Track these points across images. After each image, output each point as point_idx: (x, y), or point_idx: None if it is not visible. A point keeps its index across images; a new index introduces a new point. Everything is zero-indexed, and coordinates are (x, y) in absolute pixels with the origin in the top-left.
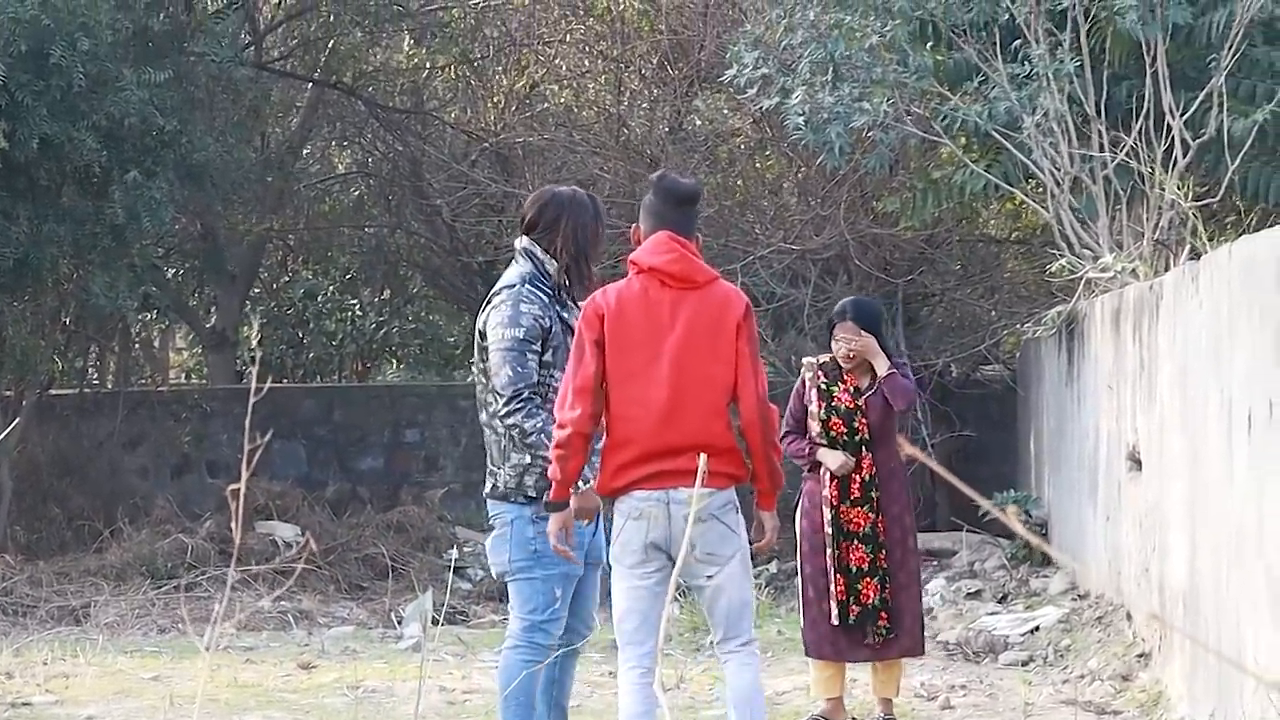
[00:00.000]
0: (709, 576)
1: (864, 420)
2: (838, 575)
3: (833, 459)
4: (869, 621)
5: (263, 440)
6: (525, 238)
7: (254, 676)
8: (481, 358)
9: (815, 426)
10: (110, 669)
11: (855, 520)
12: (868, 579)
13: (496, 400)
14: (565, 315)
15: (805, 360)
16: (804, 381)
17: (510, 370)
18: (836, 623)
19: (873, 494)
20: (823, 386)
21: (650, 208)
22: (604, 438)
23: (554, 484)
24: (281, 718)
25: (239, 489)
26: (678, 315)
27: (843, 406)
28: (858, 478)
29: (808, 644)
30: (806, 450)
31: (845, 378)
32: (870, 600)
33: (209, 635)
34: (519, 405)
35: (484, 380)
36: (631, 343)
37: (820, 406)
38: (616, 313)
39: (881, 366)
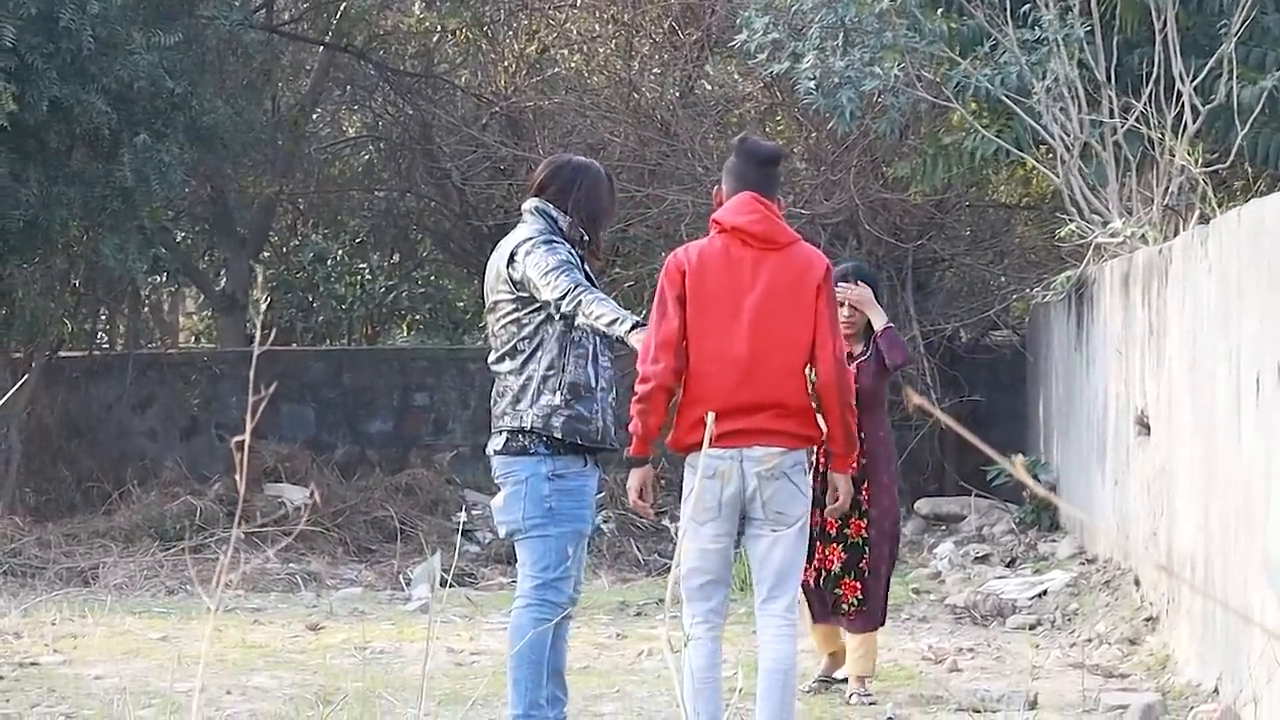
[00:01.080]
0: (772, 532)
1: (854, 386)
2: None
3: None
4: (828, 588)
5: (266, 393)
6: (536, 199)
7: (262, 637)
8: (510, 309)
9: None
10: (118, 629)
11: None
12: (834, 545)
13: (555, 309)
14: (585, 269)
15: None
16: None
17: (566, 277)
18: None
19: (860, 461)
20: None
21: (733, 169)
22: (679, 393)
23: (634, 439)
24: (289, 678)
25: (243, 442)
26: (759, 275)
27: None
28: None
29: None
30: None
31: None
32: (833, 567)
33: (215, 596)
34: (581, 290)
35: (513, 330)
36: (712, 300)
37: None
38: (698, 269)
39: (878, 320)
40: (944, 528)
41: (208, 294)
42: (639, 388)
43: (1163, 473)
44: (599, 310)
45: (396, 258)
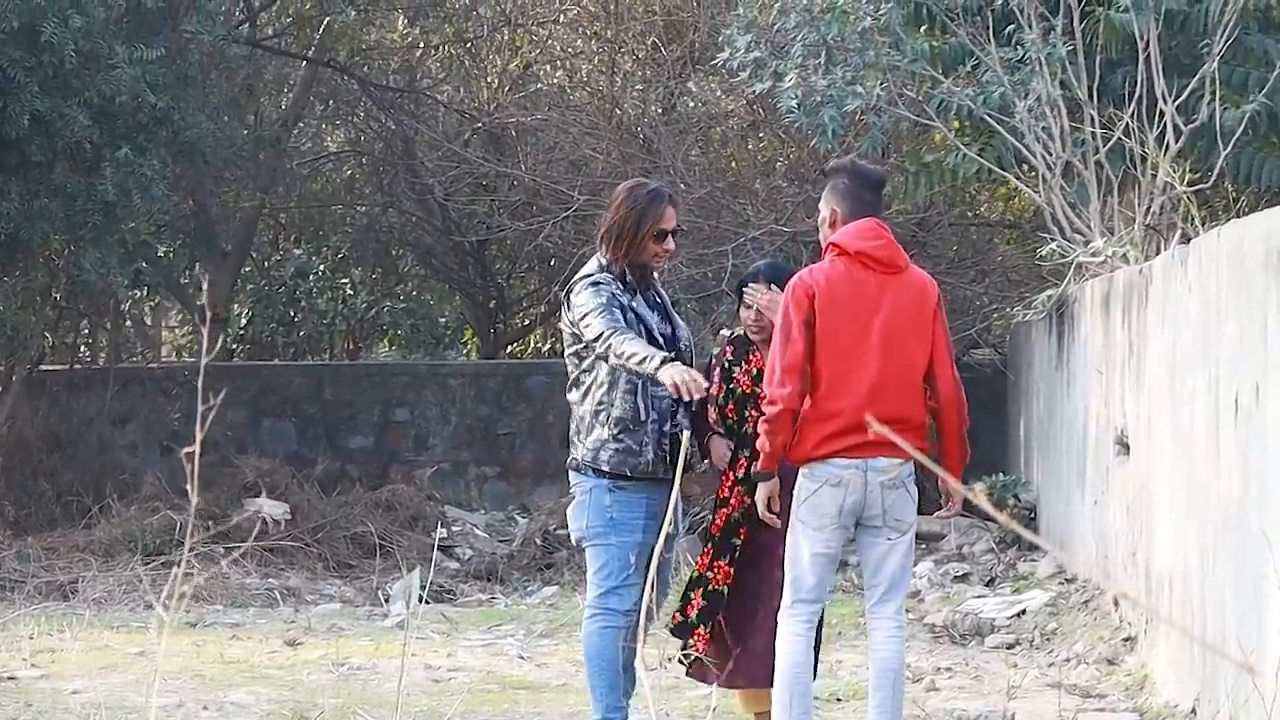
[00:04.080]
0: (889, 539)
1: (755, 412)
2: (696, 591)
3: (715, 449)
4: (683, 636)
5: (215, 402)
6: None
7: (240, 652)
8: (571, 343)
9: (713, 412)
10: (96, 644)
11: (716, 523)
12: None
13: (594, 357)
14: (633, 304)
15: (721, 334)
16: (715, 357)
17: (601, 319)
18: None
19: (733, 498)
20: (726, 365)
21: (846, 192)
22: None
23: (763, 456)
24: (266, 694)
25: (193, 454)
26: (883, 298)
27: (739, 390)
28: (731, 476)
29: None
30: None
31: (751, 357)
32: (691, 614)
33: (172, 610)
34: (611, 333)
35: (575, 362)
36: (841, 322)
37: (720, 390)
38: (826, 293)
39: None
40: (923, 546)
41: (189, 308)
42: (766, 409)
43: (1142, 492)
44: (629, 350)
45: (378, 273)
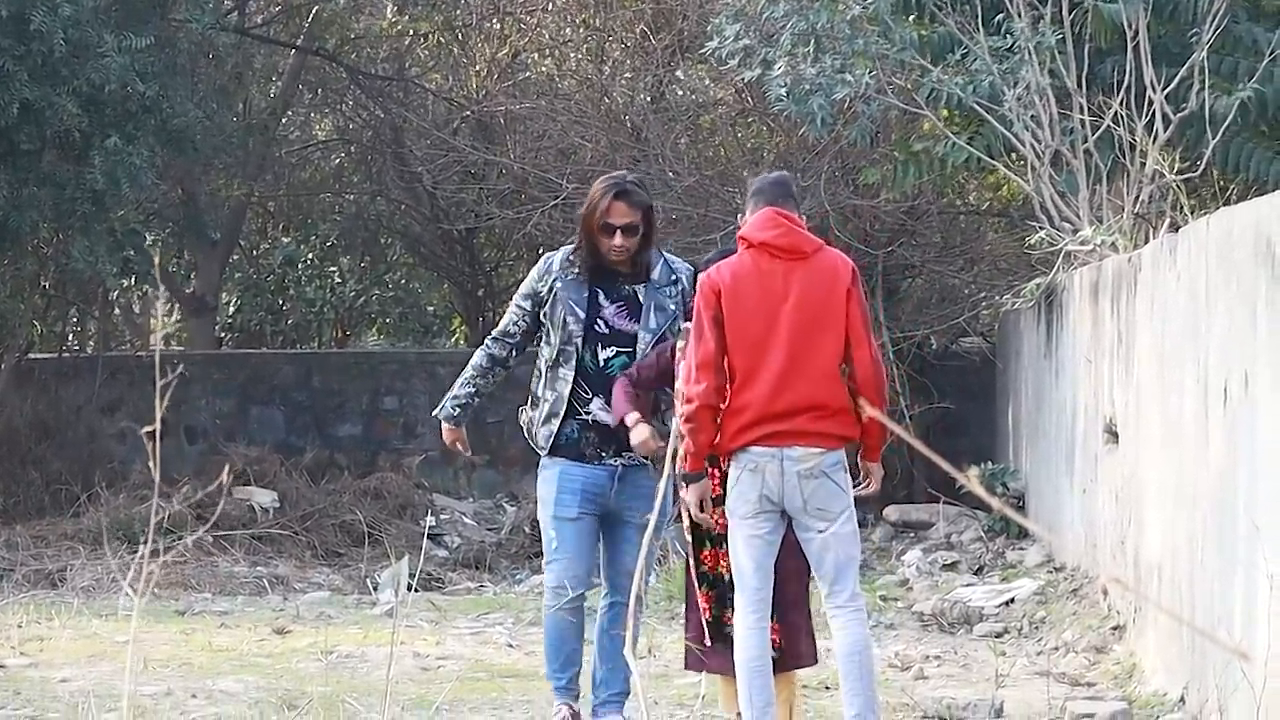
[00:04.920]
0: (819, 531)
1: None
2: (702, 587)
3: (637, 435)
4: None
5: (172, 377)
6: None
7: (229, 641)
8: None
9: (680, 406)
10: (85, 632)
11: (719, 521)
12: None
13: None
14: (585, 295)
15: (684, 326)
16: (673, 349)
17: (507, 314)
18: (709, 641)
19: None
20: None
21: (752, 190)
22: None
23: (688, 456)
24: (255, 682)
25: (153, 433)
26: (790, 285)
27: None
28: (716, 473)
29: (686, 654)
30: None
31: None
32: (709, 614)
33: (139, 594)
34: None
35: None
36: (748, 314)
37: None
38: (731, 288)
39: None
40: (912, 535)
41: (178, 296)
42: (685, 408)
43: (1131, 481)
44: (462, 376)
45: (367, 261)
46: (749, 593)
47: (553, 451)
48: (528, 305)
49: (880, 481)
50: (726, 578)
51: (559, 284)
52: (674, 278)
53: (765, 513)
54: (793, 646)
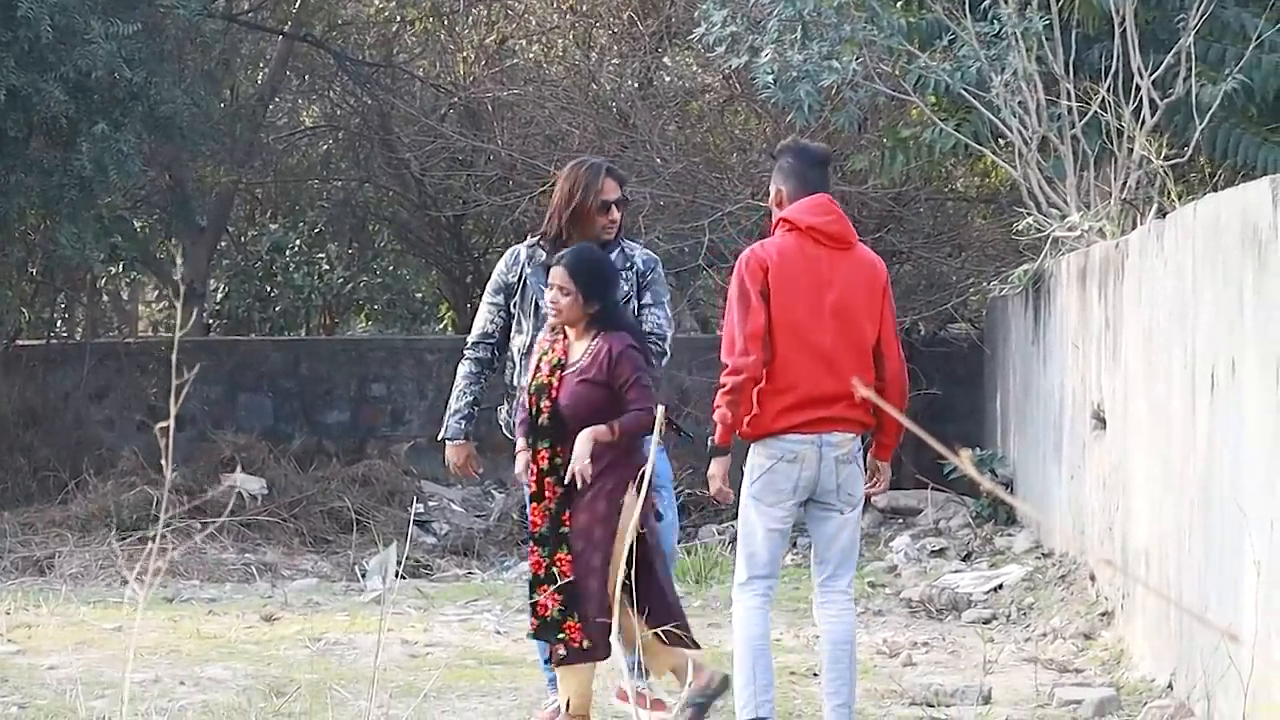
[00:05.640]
0: (841, 514)
1: (549, 403)
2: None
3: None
4: (549, 636)
5: (188, 377)
6: None
7: (217, 628)
8: None
9: (523, 397)
10: (73, 619)
11: (534, 520)
12: (543, 586)
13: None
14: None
15: (549, 321)
16: (542, 342)
17: (479, 314)
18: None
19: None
20: (544, 351)
21: (791, 170)
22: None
23: (722, 427)
24: (243, 669)
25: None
26: (835, 272)
27: (540, 380)
28: (534, 469)
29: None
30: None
31: (556, 346)
32: (548, 613)
33: (146, 585)
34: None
35: None
36: (794, 296)
37: (532, 376)
38: (779, 265)
39: (578, 349)
40: (900, 521)
41: (165, 283)
42: (728, 379)
43: (1119, 467)
44: (455, 388)
45: (355, 248)
46: (757, 580)
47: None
48: (500, 300)
49: (889, 482)
50: (574, 584)
51: (528, 271)
52: (629, 262)
53: (792, 502)
54: (667, 618)
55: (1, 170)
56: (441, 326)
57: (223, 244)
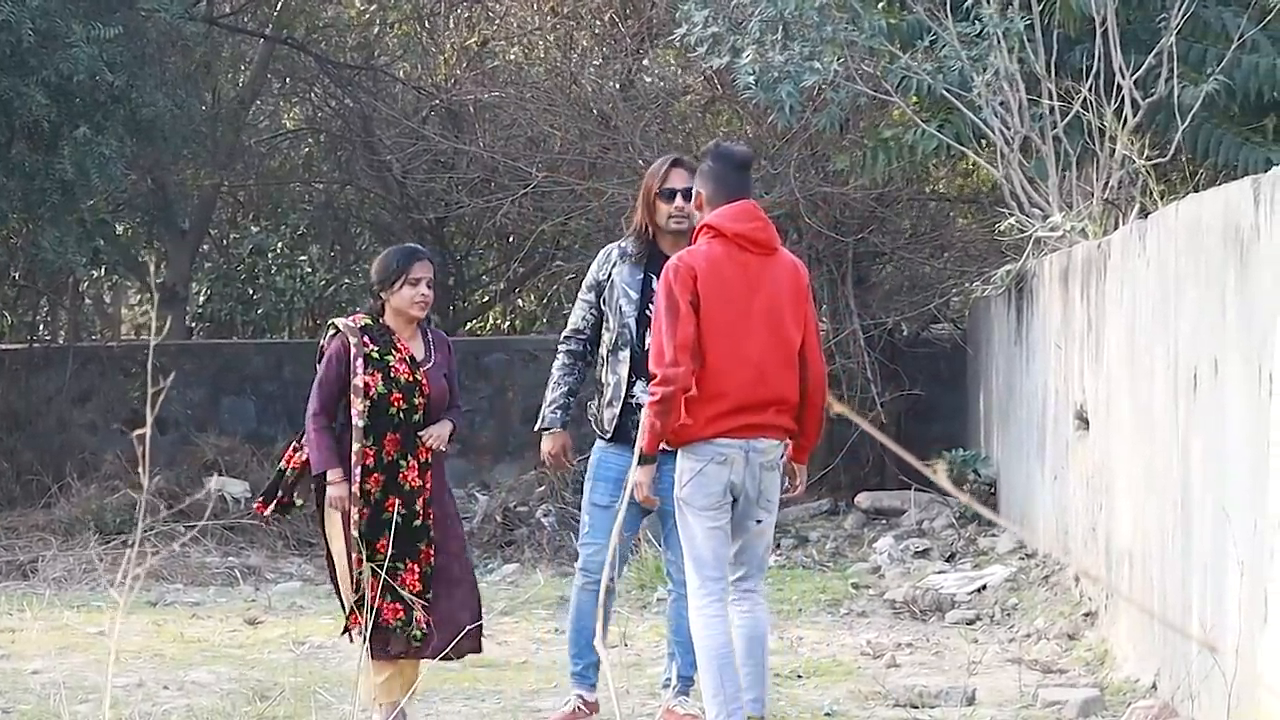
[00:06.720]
0: (758, 520)
1: (423, 397)
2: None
3: (435, 432)
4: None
5: (166, 383)
6: None
7: (200, 631)
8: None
9: (361, 404)
10: (56, 624)
11: (388, 507)
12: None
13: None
14: (639, 278)
15: (338, 322)
16: (346, 348)
17: (573, 310)
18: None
19: (424, 483)
20: (375, 355)
21: (714, 174)
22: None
23: (650, 436)
24: (227, 673)
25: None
26: (762, 279)
27: (402, 379)
28: (415, 463)
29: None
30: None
31: (398, 345)
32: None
33: (127, 590)
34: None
35: None
36: (722, 302)
37: (376, 378)
38: (708, 273)
39: (419, 345)
40: (884, 522)
41: (148, 286)
42: (658, 389)
43: (1102, 468)
44: (550, 381)
45: (337, 250)
46: (709, 583)
47: (612, 436)
48: (592, 297)
49: (805, 486)
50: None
51: (616, 270)
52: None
53: (724, 504)
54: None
55: None
56: None
57: (205, 247)
